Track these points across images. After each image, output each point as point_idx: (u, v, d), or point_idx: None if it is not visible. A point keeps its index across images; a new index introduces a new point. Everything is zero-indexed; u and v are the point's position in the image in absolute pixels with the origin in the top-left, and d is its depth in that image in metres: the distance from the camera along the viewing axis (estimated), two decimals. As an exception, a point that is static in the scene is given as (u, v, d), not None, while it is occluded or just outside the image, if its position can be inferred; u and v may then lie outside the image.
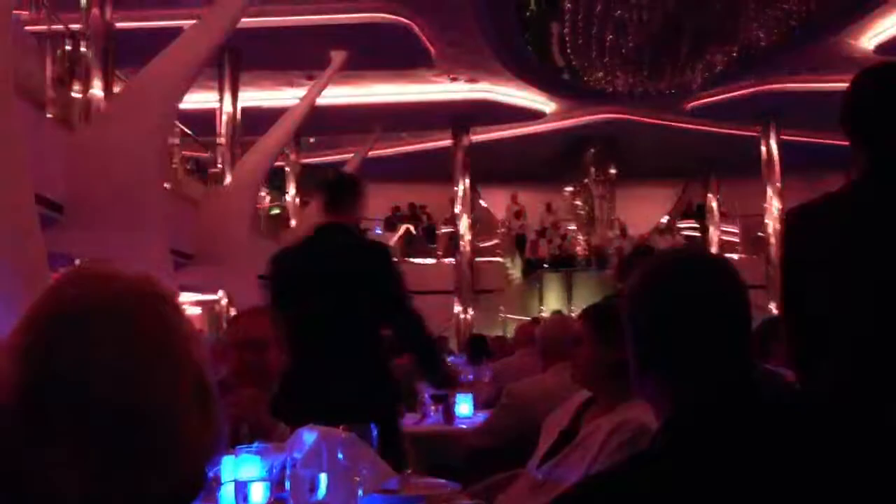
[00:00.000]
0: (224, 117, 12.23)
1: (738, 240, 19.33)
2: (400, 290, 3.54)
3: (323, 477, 1.83)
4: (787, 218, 2.09)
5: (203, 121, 12.09)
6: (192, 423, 0.85)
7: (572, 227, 19.47)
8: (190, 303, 11.86)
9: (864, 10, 11.77)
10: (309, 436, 1.89)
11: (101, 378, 0.80)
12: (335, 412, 2.05)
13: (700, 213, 20.27)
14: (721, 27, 11.90)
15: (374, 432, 2.06)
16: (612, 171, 19.06)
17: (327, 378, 3.20)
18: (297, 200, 15.92)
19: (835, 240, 1.92)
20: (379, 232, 17.77)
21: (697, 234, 19.92)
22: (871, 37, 12.69)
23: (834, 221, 1.95)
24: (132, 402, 0.81)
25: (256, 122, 11.52)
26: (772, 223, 16.33)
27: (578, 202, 19.77)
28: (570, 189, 20.06)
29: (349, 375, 3.28)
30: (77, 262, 6.37)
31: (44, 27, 8.07)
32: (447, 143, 16.97)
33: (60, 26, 8.19)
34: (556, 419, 2.53)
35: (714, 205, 20.08)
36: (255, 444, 1.93)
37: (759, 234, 17.29)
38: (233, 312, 10.54)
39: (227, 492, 1.83)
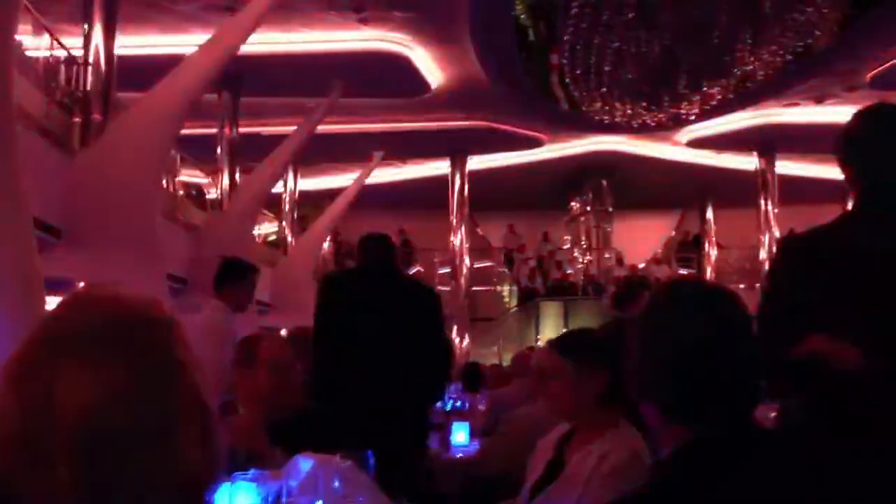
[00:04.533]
0: (224, 143, 12.29)
1: (733, 269, 19.35)
2: None
3: (319, 505, 1.82)
4: (780, 246, 2.14)
5: (203, 146, 12.13)
6: (192, 449, 0.84)
7: (569, 255, 19.49)
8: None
9: (858, 42, 11.88)
10: (305, 463, 1.87)
11: (103, 402, 0.80)
12: None
13: (696, 243, 20.30)
14: (718, 60, 12.00)
15: (371, 460, 2.05)
16: (609, 200, 19.13)
17: None
18: (295, 226, 15.94)
19: (823, 271, 1.96)
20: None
21: (694, 263, 19.94)
22: (866, 69, 12.80)
23: (823, 253, 1.99)
24: (133, 427, 0.81)
25: (256, 148, 11.58)
26: (768, 253, 16.37)
27: (575, 231, 19.81)
28: (567, 218, 20.11)
29: None
30: (79, 285, 6.35)
31: (46, 52, 8.13)
32: (445, 171, 17.03)
33: (62, 52, 8.24)
34: (541, 451, 2.51)
35: (711, 234, 20.13)
36: (251, 471, 1.92)
37: (755, 263, 17.32)
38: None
39: (223, 519, 1.82)
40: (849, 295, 1.91)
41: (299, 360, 2.73)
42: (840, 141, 2.07)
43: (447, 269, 17.54)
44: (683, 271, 19.51)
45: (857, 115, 2.10)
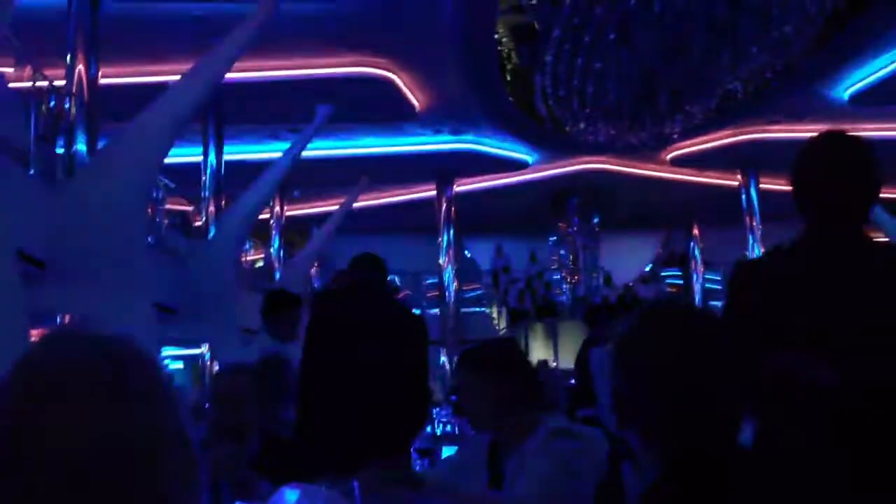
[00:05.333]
0: (209, 171, 12.28)
1: (720, 287, 19.42)
2: None
3: (305, 537, 1.80)
4: (733, 271, 2.18)
5: (188, 174, 12.11)
6: (175, 485, 0.84)
7: (557, 276, 19.52)
8: (173, 357, 11.75)
9: (838, 61, 12.03)
10: (291, 494, 1.86)
11: (83, 442, 0.79)
12: None
13: (683, 262, 20.37)
14: (699, 79, 12.11)
15: (357, 489, 2.03)
16: (596, 220, 19.19)
17: None
18: (282, 253, 15.90)
19: (767, 295, 2.00)
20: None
21: (681, 282, 20.00)
22: (845, 88, 12.96)
23: (769, 278, 2.03)
24: (114, 465, 0.80)
25: (241, 175, 11.58)
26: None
27: (562, 252, 19.85)
28: (554, 239, 20.15)
29: None
30: (62, 319, 6.31)
31: (28, 83, 8.11)
32: (432, 194, 17.07)
33: (44, 82, 8.23)
34: (470, 457, 2.55)
35: (696, 253, 20.22)
36: (237, 504, 1.90)
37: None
38: (216, 367, 10.46)
39: (208, 553, 1.80)
40: (801, 315, 1.95)
41: (263, 391, 2.70)
42: (792, 166, 2.12)
43: (436, 292, 17.54)
44: (671, 290, 19.59)
45: (809, 142, 2.15)
